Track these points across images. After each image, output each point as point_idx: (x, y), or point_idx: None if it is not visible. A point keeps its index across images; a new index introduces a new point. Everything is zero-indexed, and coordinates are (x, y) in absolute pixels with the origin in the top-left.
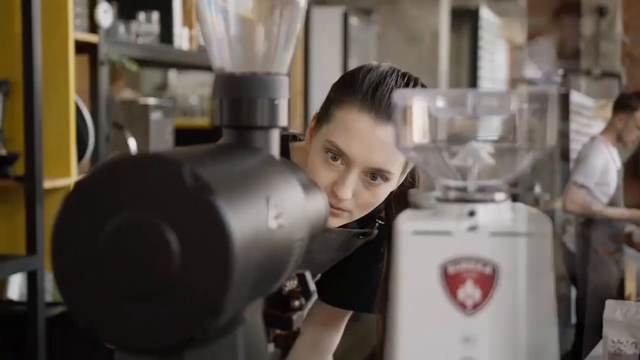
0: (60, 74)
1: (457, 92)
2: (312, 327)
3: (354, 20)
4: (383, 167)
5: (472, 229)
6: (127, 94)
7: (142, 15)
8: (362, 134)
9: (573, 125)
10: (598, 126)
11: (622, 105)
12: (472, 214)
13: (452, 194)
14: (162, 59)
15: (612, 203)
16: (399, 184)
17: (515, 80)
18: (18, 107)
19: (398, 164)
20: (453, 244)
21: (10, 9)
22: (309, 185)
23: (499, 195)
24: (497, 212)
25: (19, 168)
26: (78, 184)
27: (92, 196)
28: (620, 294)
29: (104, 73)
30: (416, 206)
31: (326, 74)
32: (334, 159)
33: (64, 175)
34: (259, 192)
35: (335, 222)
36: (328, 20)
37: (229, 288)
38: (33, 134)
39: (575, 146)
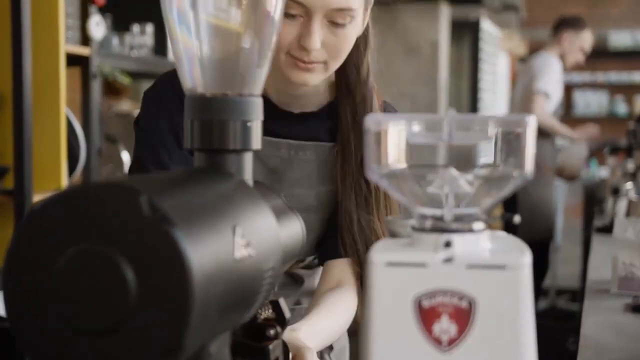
0: (51, 86)
1: (433, 117)
2: (328, 289)
3: None
4: (343, 5)
5: (448, 260)
6: (125, 105)
7: (136, 28)
8: None
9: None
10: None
11: (569, 24)
12: (448, 244)
13: (428, 223)
14: (156, 71)
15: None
16: (364, 22)
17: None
18: (8, 120)
19: (358, 0)
20: (428, 277)
21: (0, 21)
22: (284, 211)
23: (477, 225)
24: (475, 243)
25: (8, 182)
26: (32, 213)
27: (47, 226)
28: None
29: (96, 86)
30: (393, 234)
31: None
32: (292, 17)
33: (54, 189)
34: (224, 221)
35: (313, 78)
36: None
37: (188, 324)
38: (23, 148)
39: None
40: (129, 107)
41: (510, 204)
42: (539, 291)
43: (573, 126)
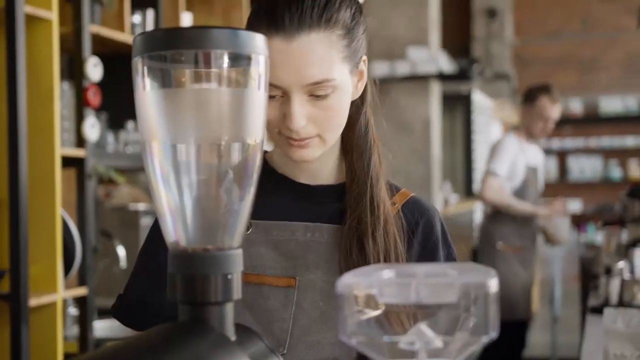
0: (47, 189)
1: (401, 280)
2: None
3: None
4: (319, 78)
5: None
6: (124, 190)
7: (130, 124)
8: (279, 57)
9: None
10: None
11: (525, 98)
12: None
13: None
14: None
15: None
16: (360, 86)
17: None
18: (4, 223)
19: (338, 68)
20: None
21: None
22: (264, 354)
23: None
24: None
25: (4, 286)
26: None
27: None
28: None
29: (91, 185)
30: None
31: None
32: (272, 97)
33: (50, 291)
34: None
35: (310, 153)
36: None
37: None
38: (19, 252)
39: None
40: (126, 196)
41: None
42: None
43: (569, 192)
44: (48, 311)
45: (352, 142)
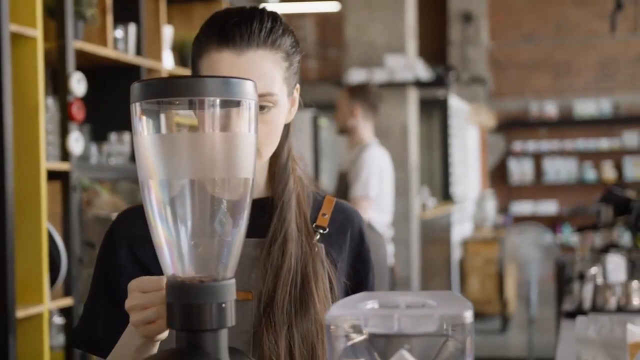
0: (33, 203)
1: (384, 312)
2: None
3: (323, 122)
4: (263, 91)
5: None
6: (105, 198)
7: (113, 136)
8: (229, 69)
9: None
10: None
11: None
12: None
13: None
14: (134, 177)
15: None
16: (292, 112)
17: None
18: None
19: (278, 84)
20: None
21: None
22: None
23: None
24: None
25: None
26: None
27: None
28: None
29: (75, 198)
30: None
31: None
32: None
33: (36, 302)
34: None
35: None
36: (298, 123)
37: None
38: (5, 264)
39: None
40: (106, 204)
41: None
42: None
43: (544, 193)
44: (35, 322)
45: (274, 169)
